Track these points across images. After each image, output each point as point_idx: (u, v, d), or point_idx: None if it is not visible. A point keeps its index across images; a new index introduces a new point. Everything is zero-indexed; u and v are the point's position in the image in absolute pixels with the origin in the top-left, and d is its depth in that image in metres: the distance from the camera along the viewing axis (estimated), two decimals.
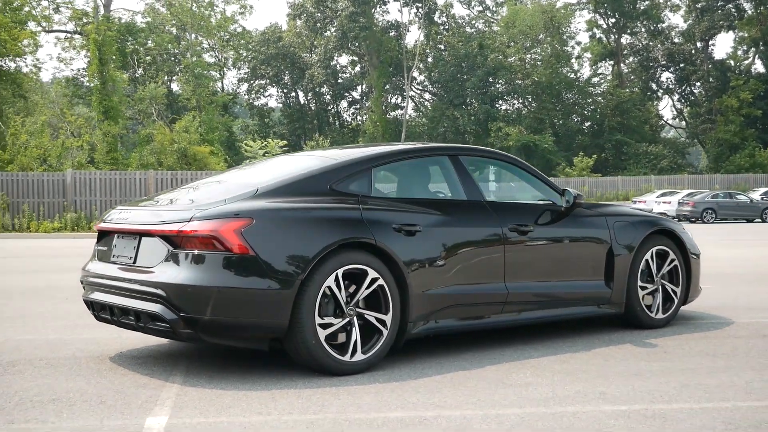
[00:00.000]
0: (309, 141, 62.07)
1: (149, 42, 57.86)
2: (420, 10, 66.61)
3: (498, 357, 5.67)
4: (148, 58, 59.44)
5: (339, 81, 69.38)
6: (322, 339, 4.96)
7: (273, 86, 71.06)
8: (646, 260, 6.70)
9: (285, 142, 41.87)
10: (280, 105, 72.28)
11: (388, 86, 66.93)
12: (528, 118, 64.67)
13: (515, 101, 67.75)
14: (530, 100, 67.04)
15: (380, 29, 65.55)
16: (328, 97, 72.34)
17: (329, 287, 5.00)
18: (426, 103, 72.20)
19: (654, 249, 6.74)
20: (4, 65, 39.30)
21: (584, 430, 4.00)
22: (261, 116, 71.02)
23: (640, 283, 6.65)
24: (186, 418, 4.17)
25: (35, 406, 4.40)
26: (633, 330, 6.66)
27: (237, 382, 4.92)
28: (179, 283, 4.80)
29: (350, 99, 72.32)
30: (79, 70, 58.76)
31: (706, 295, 8.61)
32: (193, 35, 61.38)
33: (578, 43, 70.82)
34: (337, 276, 5.02)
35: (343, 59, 70.46)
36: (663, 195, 38.89)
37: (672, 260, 6.86)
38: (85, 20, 47.48)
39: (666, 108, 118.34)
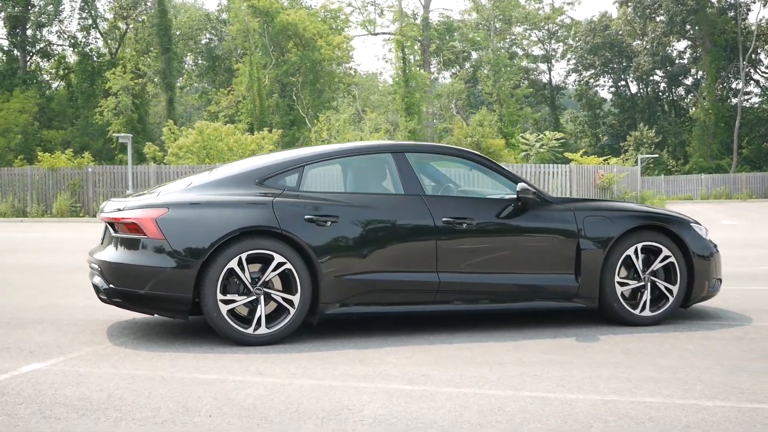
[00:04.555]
0: (633, 132, 60.41)
1: (470, 36, 59.97)
2: None
3: (416, 341, 6.05)
4: (464, 53, 61.79)
5: (672, 68, 66.46)
6: (224, 313, 5.79)
7: (602, 76, 69.99)
8: (628, 255, 6.56)
9: (561, 134, 41.30)
10: (611, 95, 70.97)
11: (724, 72, 62.78)
12: None
13: None
14: None
15: (715, 10, 61.73)
16: (663, 85, 69.65)
17: (232, 268, 5.81)
18: None
19: (640, 245, 6.58)
20: (324, 69, 43.54)
21: (337, 401, 4.47)
22: (591, 107, 70.30)
23: (618, 279, 6.54)
24: (63, 366, 5.27)
25: None
26: (612, 326, 6.57)
27: (159, 345, 5.92)
28: (108, 260, 5.95)
29: (686, 86, 68.98)
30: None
31: None
32: (520, 28, 62.63)
33: None
34: (240, 259, 5.82)
35: (681, 44, 67.48)
36: None
37: (666, 257, 6.62)
38: (405, 22, 50.71)
39: None
